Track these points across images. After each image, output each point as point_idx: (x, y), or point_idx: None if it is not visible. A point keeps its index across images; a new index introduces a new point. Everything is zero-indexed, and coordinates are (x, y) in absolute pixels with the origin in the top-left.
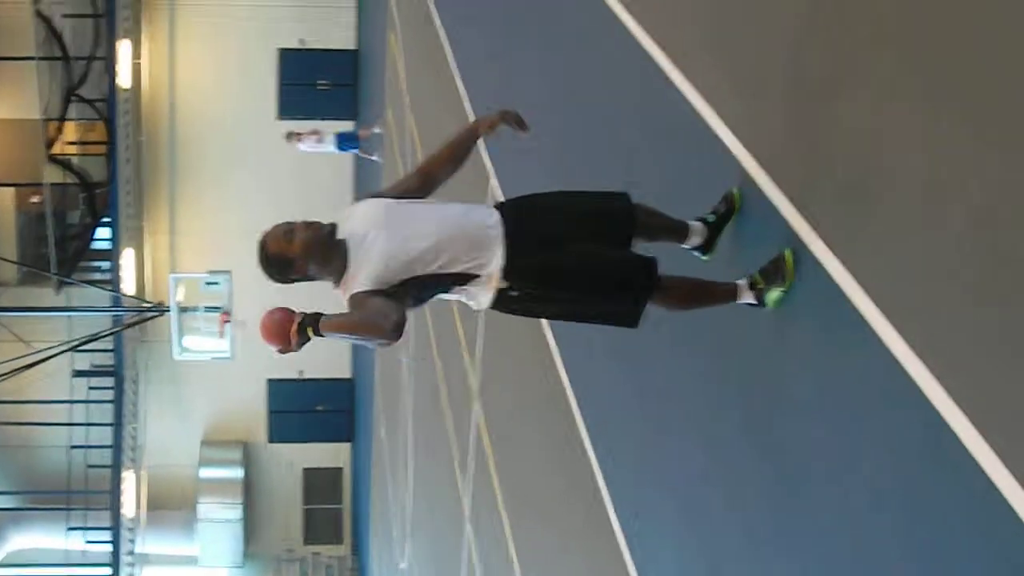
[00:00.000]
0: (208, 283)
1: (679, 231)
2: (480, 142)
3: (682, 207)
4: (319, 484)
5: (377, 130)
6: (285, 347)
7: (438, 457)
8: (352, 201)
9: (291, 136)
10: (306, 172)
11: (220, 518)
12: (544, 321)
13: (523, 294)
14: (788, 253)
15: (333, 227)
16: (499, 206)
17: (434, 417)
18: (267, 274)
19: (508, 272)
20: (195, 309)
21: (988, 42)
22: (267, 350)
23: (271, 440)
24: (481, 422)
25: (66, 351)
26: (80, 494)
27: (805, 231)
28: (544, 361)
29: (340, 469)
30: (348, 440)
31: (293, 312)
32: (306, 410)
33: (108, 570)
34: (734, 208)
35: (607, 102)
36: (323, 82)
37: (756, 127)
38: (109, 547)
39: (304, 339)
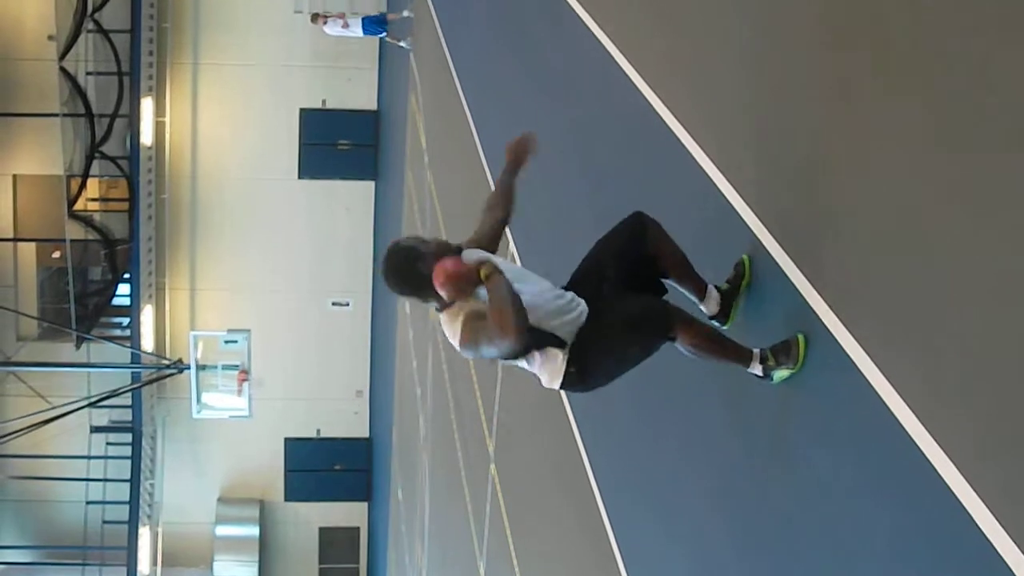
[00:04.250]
0: (227, 341)
1: (696, 280)
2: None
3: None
4: (335, 543)
5: (407, 14)
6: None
7: (454, 519)
8: (371, 262)
9: (316, 18)
10: (326, 232)
11: None
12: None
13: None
14: (801, 338)
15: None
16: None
17: (451, 479)
18: (400, 288)
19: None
20: (214, 367)
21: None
22: (285, 408)
23: (288, 498)
24: (497, 485)
25: (85, 407)
26: (96, 550)
27: (820, 307)
28: (560, 425)
29: (357, 528)
30: (365, 500)
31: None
32: (323, 469)
33: None
34: (744, 274)
35: (624, 166)
36: (344, 142)
37: (768, 196)
38: None
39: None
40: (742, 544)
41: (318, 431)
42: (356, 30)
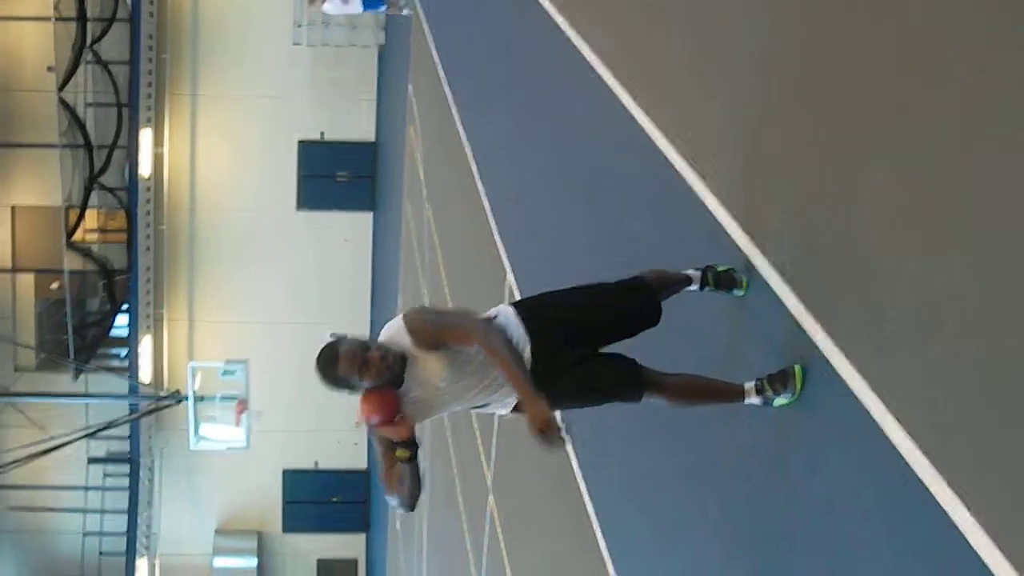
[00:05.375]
0: (225, 372)
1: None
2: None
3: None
4: (333, 575)
5: None
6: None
7: (453, 551)
8: (369, 293)
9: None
10: (324, 263)
11: None
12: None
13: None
14: (798, 369)
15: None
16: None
17: (449, 511)
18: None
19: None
20: (212, 398)
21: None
22: (283, 439)
23: (285, 530)
24: (496, 516)
25: (82, 438)
26: None
27: (818, 334)
28: (558, 456)
29: (355, 560)
30: (363, 531)
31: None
32: (321, 500)
33: None
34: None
35: (621, 195)
36: (342, 174)
37: (761, 221)
38: None
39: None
40: (742, 569)
41: (316, 463)
42: (356, 6)
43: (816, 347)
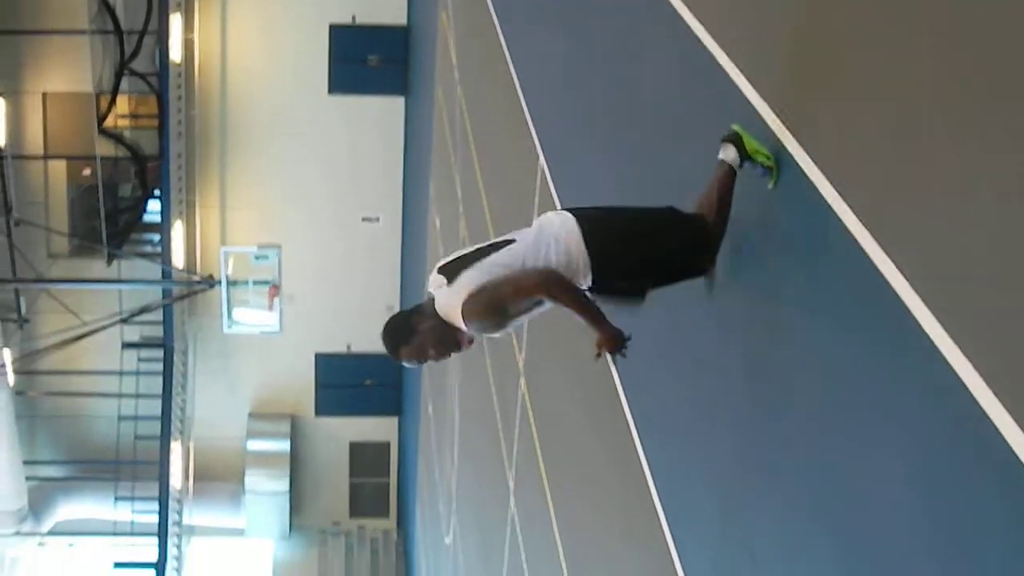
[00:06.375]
0: (258, 257)
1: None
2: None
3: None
4: (366, 458)
5: None
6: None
7: (484, 433)
8: (401, 177)
9: None
10: (356, 148)
11: (267, 490)
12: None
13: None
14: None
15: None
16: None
17: (481, 394)
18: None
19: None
20: (244, 283)
21: None
22: (316, 323)
23: (318, 413)
24: (527, 400)
25: (116, 323)
26: (129, 464)
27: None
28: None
29: (387, 443)
30: (395, 414)
31: None
32: (354, 384)
33: (155, 540)
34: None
35: (650, 73)
36: (374, 58)
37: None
38: (156, 518)
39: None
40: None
41: (349, 346)
42: None
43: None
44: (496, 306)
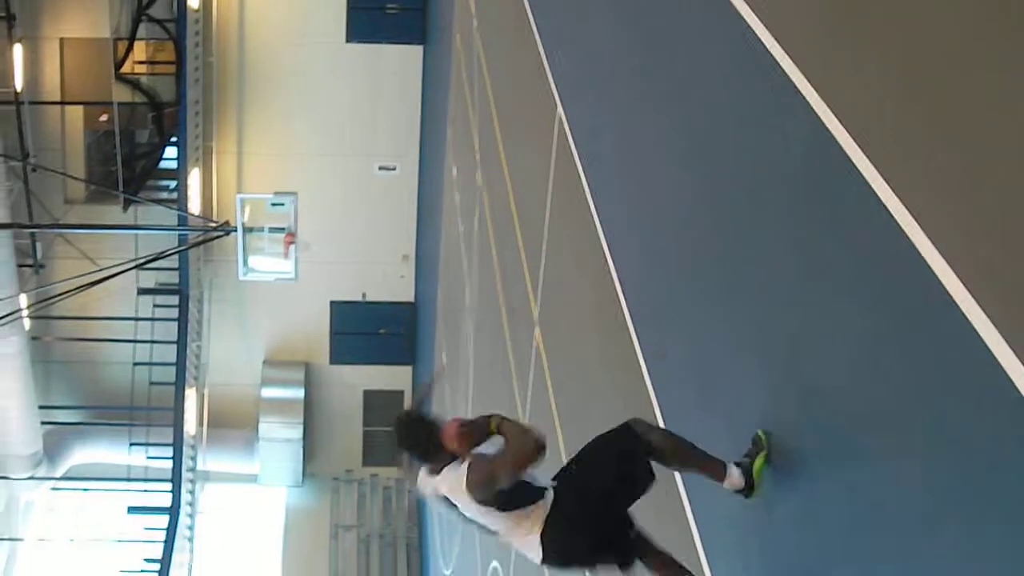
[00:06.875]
0: (274, 204)
1: (713, 463)
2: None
3: None
4: (379, 406)
5: None
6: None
7: (498, 384)
8: (419, 125)
9: None
10: (373, 96)
11: (280, 438)
12: (603, 239)
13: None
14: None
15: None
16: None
17: (495, 344)
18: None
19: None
20: (260, 230)
21: None
22: (331, 271)
23: (333, 361)
24: (542, 350)
25: (132, 268)
26: (143, 410)
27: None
28: (603, 279)
29: (401, 392)
30: (409, 363)
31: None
32: (369, 332)
33: (169, 486)
34: (763, 447)
35: (675, 29)
36: (392, 6)
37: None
38: (170, 463)
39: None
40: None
41: (364, 295)
42: None
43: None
44: (489, 478)
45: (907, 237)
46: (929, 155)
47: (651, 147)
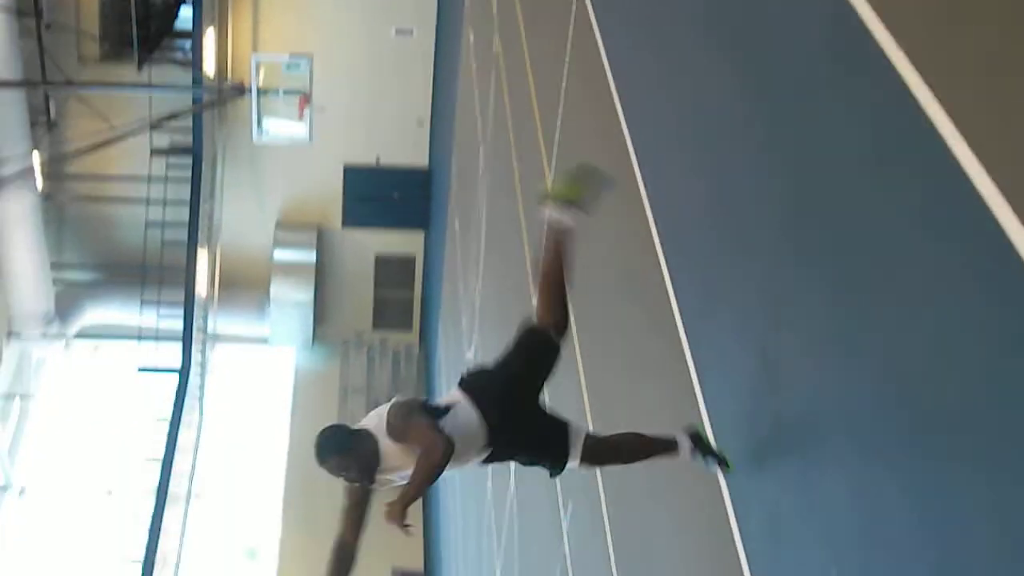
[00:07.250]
0: (289, 66)
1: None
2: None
3: None
4: (390, 271)
5: None
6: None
7: (510, 254)
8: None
9: None
10: None
11: (291, 300)
12: (624, 122)
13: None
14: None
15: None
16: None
17: (508, 215)
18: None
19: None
20: (275, 92)
21: None
22: (345, 135)
23: (345, 225)
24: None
25: (146, 129)
26: (155, 270)
27: None
28: (619, 151)
29: (412, 257)
30: (422, 228)
31: None
32: (382, 197)
33: (180, 345)
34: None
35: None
36: None
37: None
38: (181, 323)
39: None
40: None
41: (378, 159)
42: None
43: None
44: (404, 424)
45: None
46: None
47: (670, 14)
